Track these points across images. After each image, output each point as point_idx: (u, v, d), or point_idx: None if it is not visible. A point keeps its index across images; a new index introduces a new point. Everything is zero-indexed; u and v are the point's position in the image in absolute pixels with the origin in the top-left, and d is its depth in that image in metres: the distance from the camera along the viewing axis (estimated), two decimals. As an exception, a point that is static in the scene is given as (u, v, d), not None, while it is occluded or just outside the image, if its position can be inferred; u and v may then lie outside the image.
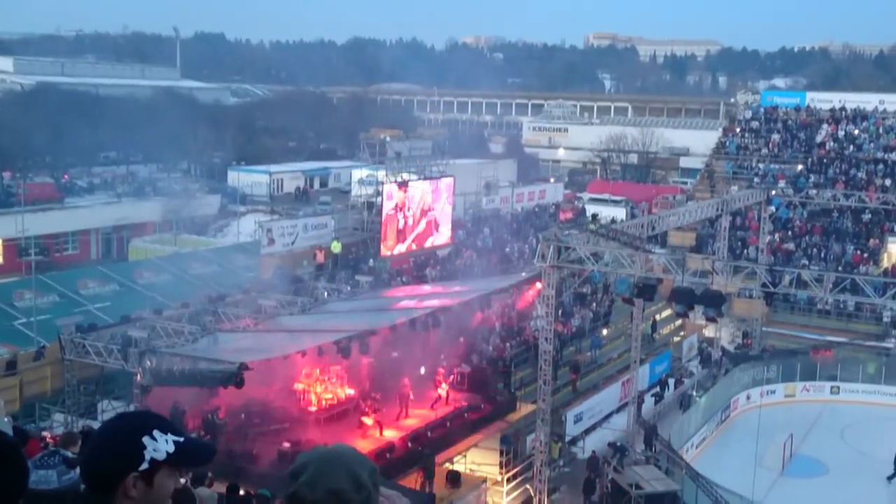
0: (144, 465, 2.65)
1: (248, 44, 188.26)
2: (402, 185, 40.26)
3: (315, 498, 2.42)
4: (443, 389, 28.11)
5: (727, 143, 60.88)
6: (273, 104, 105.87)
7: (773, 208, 45.77)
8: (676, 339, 42.47)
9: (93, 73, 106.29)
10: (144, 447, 2.66)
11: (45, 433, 19.39)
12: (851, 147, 56.80)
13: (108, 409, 24.68)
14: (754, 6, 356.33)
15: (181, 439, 2.74)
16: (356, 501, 2.44)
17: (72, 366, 24.76)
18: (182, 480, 7.25)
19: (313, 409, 25.70)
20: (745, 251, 46.33)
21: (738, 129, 62.21)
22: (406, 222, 40.65)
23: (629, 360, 31.97)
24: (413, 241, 41.31)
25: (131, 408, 21.70)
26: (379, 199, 40.82)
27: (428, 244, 42.34)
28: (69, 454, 3.43)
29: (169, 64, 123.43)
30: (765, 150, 58.76)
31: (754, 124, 61.87)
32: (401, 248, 40.70)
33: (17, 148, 65.96)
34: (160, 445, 2.67)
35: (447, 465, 25.15)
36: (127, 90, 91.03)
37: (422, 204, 41.48)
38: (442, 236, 43.25)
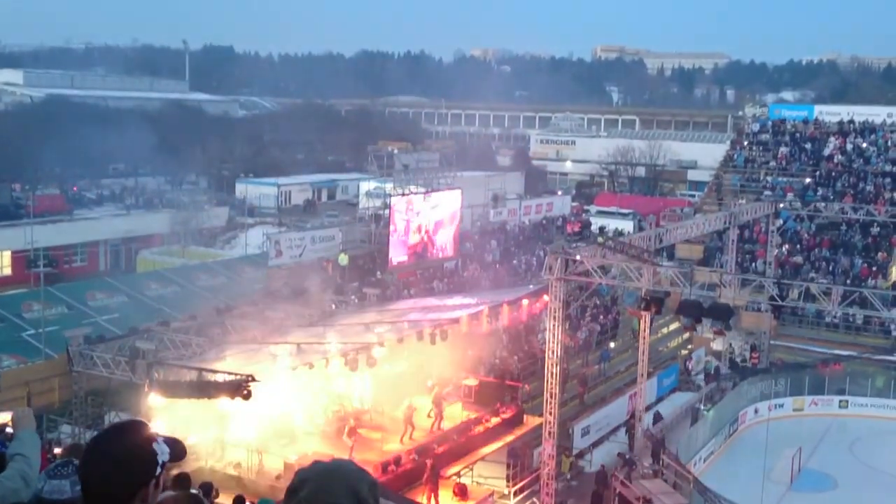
0: (159, 470, 2.72)
1: (257, 56, 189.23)
2: (410, 197, 40.33)
3: (315, 513, 2.43)
4: (449, 402, 28.04)
5: (735, 155, 60.82)
6: (281, 116, 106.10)
7: (780, 221, 45.67)
8: (684, 352, 42.33)
9: (102, 86, 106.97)
10: (157, 453, 2.71)
11: (55, 447, 19.44)
12: (860, 160, 56.68)
13: (116, 420, 24.67)
14: (762, 19, 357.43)
15: (164, 439, 2.82)
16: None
17: (79, 377, 24.81)
18: (193, 491, 7.28)
19: (320, 421, 25.67)
20: (753, 264, 46.23)
21: (745, 142, 62.11)
22: (413, 235, 40.67)
23: (636, 374, 31.88)
24: (420, 253, 41.33)
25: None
26: (386, 211, 40.87)
27: (435, 257, 42.36)
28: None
29: (178, 76, 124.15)
30: (773, 163, 58.65)
31: (762, 137, 61.78)
32: (408, 261, 40.73)
33: (27, 160, 66.23)
34: (163, 448, 2.74)
35: (454, 477, 25.10)
36: (136, 102, 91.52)
37: (429, 216, 41.52)
38: (449, 249, 43.26)
